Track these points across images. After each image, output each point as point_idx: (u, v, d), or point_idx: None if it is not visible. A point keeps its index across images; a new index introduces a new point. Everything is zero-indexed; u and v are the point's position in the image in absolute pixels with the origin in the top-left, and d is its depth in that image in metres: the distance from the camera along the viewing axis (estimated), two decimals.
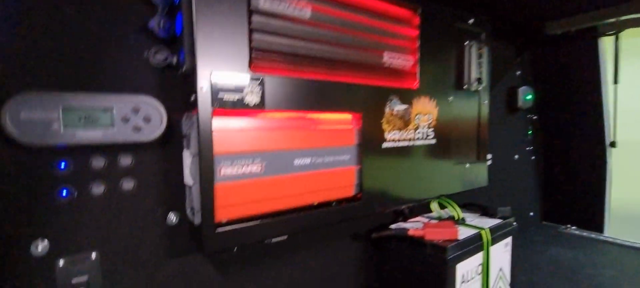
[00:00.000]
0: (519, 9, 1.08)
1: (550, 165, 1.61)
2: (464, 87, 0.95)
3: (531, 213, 1.59)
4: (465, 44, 0.94)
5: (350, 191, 0.74)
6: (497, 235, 0.85)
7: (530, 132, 1.53)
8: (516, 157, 1.46)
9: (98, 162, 0.54)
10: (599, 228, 1.49)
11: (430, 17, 0.84)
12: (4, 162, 0.47)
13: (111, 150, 0.55)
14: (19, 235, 0.49)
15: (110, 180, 0.55)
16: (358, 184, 0.75)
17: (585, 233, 1.47)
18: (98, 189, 0.54)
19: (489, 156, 1.28)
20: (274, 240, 0.67)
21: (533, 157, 1.56)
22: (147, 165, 0.58)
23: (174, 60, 0.58)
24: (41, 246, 0.51)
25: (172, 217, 0.62)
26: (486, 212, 0.96)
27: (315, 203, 0.69)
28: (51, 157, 0.50)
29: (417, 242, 0.77)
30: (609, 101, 1.41)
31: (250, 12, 0.57)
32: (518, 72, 1.44)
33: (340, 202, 0.74)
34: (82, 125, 0.50)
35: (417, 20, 0.83)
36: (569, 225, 1.55)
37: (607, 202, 1.48)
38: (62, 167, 0.51)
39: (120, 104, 0.53)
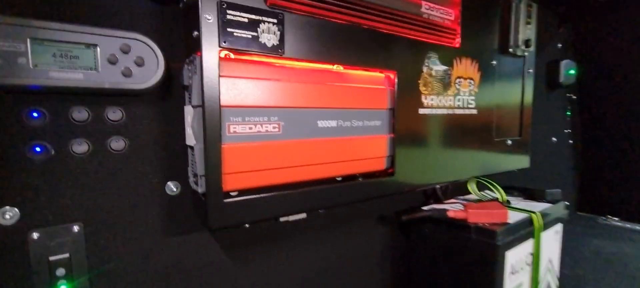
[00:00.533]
0: None
1: (588, 151, 1.47)
2: (510, 50, 0.82)
3: (566, 203, 1.45)
4: (512, 0, 0.81)
5: (381, 164, 0.63)
6: (548, 220, 0.73)
7: (569, 113, 1.39)
8: (554, 139, 1.32)
9: (80, 114, 0.44)
10: None
11: None
12: None
13: (96, 99, 0.44)
14: None
15: (96, 138, 0.45)
16: (390, 156, 0.63)
17: (628, 225, 1.33)
18: (80, 147, 0.44)
19: None
20: (292, 218, 0.56)
21: (570, 141, 1.41)
22: (141, 121, 0.48)
23: None
24: (10, 214, 0.41)
25: (172, 186, 0.51)
26: (532, 195, 0.84)
27: (339, 176, 0.59)
28: (20, 102, 0.40)
29: (459, 225, 0.65)
30: None
31: None
32: (559, 45, 1.29)
33: (367, 176, 0.63)
34: (58, 64, 0.40)
35: None
36: (609, 216, 1.41)
37: None
38: (35, 116, 0.41)
39: (106, 40, 0.42)
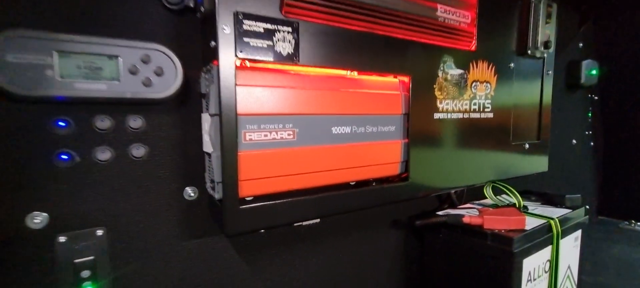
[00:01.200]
0: None
1: (610, 153, 1.42)
2: (528, 52, 0.80)
3: (586, 207, 1.41)
4: (531, 1, 0.79)
5: (394, 169, 0.63)
6: (567, 226, 0.72)
7: (590, 114, 1.34)
8: (574, 141, 1.28)
9: (103, 122, 0.45)
10: None
11: None
12: None
13: (118, 108, 0.46)
14: (12, 204, 0.42)
15: (118, 145, 0.47)
16: (404, 162, 0.63)
17: None
18: (103, 154, 0.46)
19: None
20: (306, 223, 0.56)
21: (591, 143, 1.37)
22: (160, 128, 0.49)
23: (191, 2, 0.48)
24: (39, 219, 0.43)
25: (190, 191, 0.53)
26: (551, 201, 0.82)
27: (353, 182, 0.59)
28: (48, 113, 0.42)
29: (475, 232, 0.64)
30: None
31: None
32: (580, 44, 1.25)
33: (381, 181, 0.63)
34: (82, 75, 0.41)
35: None
36: (633, 221, 1.36)
37: None
38: (61, 125, 0.43)
39: (127, 52, 0.44)
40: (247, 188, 0.47)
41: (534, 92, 0.87)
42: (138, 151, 0.48)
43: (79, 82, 0.41)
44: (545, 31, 0.82)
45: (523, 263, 0.61)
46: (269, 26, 0.45)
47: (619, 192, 1.42)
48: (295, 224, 0.57)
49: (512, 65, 0.79)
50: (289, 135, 0.50)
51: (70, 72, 0.41)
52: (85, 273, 0.46)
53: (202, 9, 0.45)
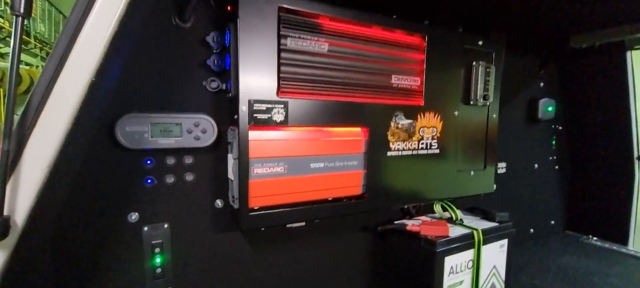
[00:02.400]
0: (541, 23, 1.14)
1: (575, 175, 1.63)
2: (471, 102, 1.06)
3: (552, 222, 1.62)
4: (472, 63, 1.05)
5: (357, 190, 0.91)
6: (490, 236, 0.97)
7: (553, 142, 1.56)
8: (536, 166, 1.50)
9: (171, 161, 0.76)
10: (624, 241, 1.49)
11: (437, 41, 0.97)
12: (114, 159, 0.71)
13: (179, 152, 0.77)
14: (120, 208, 0.73)
15: (178, 173, 0.78)
16: (364, 185, 0.91)
17: (606, 245, 1.48)
18: (170, 179, 0.77)
19: (504, 165, 1.36)
20: (294, 225, 0.86)
21: (556, 166, 1.58)
22: (203, 164, 0.80)
23: (224, 87, 0.79)
24: (134, 216, 0.75)
25: (219, 203, 0.83)
26: (487, 216, 1.07)
27: (329, 198, 0.87)
28: (143, 156, 0.74)
29: (414, 236, 0.91)
30: (638, 115, 1.41)
31: (280, 51, 0.76)
32: (541, 84, 1.48)
33: (349, 199, 0.91)
34: (162, 135, 0.73)
35: (424, 45, 0.96)
36: (590, 236, 1.56)
37: (633, 215, 1.48)
38: (149, 163, 0.74)
39: (186, 120, 0.75)
40: (254, 202, 0.77)
41: (479, 131, 1.12)
42: (189, 177, 0.79)
43: (160, 139, 0.72)
44: (485, 87, 1.07)
45: (445, 260, 0.87)
46: (269, 105, 0.75)
47: (584, 210, 1.63)
48: (286, 225, 0.86)
49: (456, 113, 1.05)
50: (281, 169, 0.79)
51: (156, 134, 0.72)
52: (157, 250, 0.77)
53: (230, 94, 0.76)
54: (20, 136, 0.43)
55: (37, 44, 5.63)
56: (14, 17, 0.40)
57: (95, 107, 0.62)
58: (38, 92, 0.45)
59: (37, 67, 5.49)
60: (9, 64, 0.40)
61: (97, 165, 0.70)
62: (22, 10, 0.40)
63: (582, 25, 1.19)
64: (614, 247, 1.45)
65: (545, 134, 1.53)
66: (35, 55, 5.67)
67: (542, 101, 1.41)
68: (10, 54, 0.40)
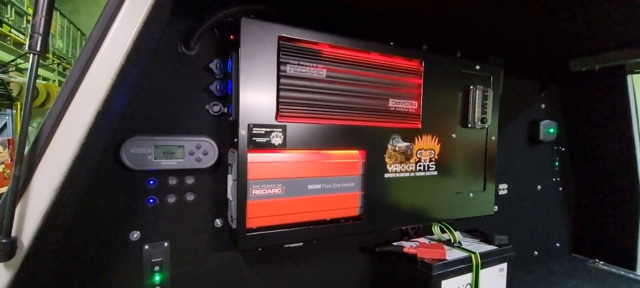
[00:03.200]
0: (539, 47, 1.16)
1: (580, 196, 1.61)
2: (469, 125, 1.07)
3: (557, 244, 1.59)
4: (470, 87, 1.07)
5: (355, 212, 0.92)
6: (489, 260, 0.96)
7: (557, 163, 1.55)
8: (539, 187, 1.49)
9: (172, 181, 0.79)
10: (632, 265, 1.46)
11: (434, 66, 0.99)
12: (119, 180, 0.74)
13: (181, 173, 0.80)
14: (123, 226, 0.76)
15: (179, 193, 0.81)
16: (361, 206, 0.92)
17: (614, 269, 1.45)
18: (171, 199, 0.79)
19: (505, 186, 1.36)
20: (292, 245, 0.87)
21: (560, 188, 1.57)
22: (203, 184, 0.83)
23: (225, 110, 0.82)
24: (136, 235, 0.77)
25: (218, 222, 0.85)
26: (486, 239, 1.07)
27: (326, 219, 0.89)
28: (146, 177, 0.77)
29: (411, 259, 0.92)
30: None
31: (279, 77, 0.79)
32: (542, 106, 1.48)
33: (347, 220, 0.92)
34: (165, 157, 0.76)
35: (421, 70, 0.98)
36: (597, 260, 1.53)
37: None
38: (152, 183, 0.77)
39: (189, 142, 0.78)
40: (252, 223, 0.79)
41: (478, 153, 1.13)
42: (190, 197, 0.81)
43: (163, 160, 0.75)
44: (483, 110, 1.09)
45: (441, 283, 0.87)
46: (267, 129, 0.78)
47: (590, 232, 1.60)
48: (284, 246, 0.88)
49: (454, 135, 1.06)
50: (279, 190, 0.81)
51: (159, 155, 0.75)
52: (157, 268, 0.80)
53: (231, 118, 0.79)
54: (30, 162, 0.47)
55: (55, 59, 5.85)
56: (31, 55, 0.44)
57: (102, 132, 0.66)
58: (49, 121, 0.48)
59: (53, 81, 5.69)
60: (23, 99, 0.43)
61: (101, 186, 0.73)
62: (38, 49, 0.44)
63: (580, 49, 1.20)
64: (622, 272, 1.42)
65: (547, 155, 1.52)
66: (53, 70, 5.89)
67: (543, 123, 1.41)
68: (26, 90, 0.44)
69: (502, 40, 1.09)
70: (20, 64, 4.57)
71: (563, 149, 1.56)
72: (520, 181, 1.43)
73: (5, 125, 4.56)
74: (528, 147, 1.46)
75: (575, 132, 1.55)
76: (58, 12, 5.84)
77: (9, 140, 3.78)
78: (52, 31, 5.04)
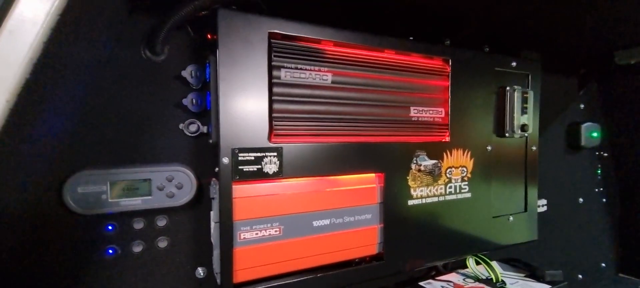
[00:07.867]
0: (580, 38, 0.97)
1: (627, 209, 1.40)
2: (506, 135, 0.88)
3: (603, 265, 1.38)
4: (506, 88, 0.88)
5: (373, 250, 0.74)
6: None
7: (599, 171, 1.35)
8: (580, 200, 1.29)
9: (138, 224, 0.61)
10: None
11: (464, 64, 0.81)
12: (63, 228, 0.57)
13: (150, 213, 0.62)
14: None
15: (148, 239, 0.63)
16: (381, 243, 0.74)
17: None
18: (138, 248, 0.62)
19: (544, 202, 1.16)
20: None
21: (604, 199, 1.36)
22: (180, 225, 0.65)
23: (205, 130, 0.65)
24: None
25: (201, 271, 0.67)
26: (533, 273, 0.87)
27: (337, 262, 0.70)
28: (101, 222, 0.59)
29: None
30: None
31: (272, 86, 0.61)
32: (581, 106, 1.28)
33: (362, 260, 0.73)
34: (126, 195, 0.58)
35: (448, 70, 0.80)
36: None
37: None
38: (110, 229, 0.60)
39: (157, 174, 0.60)
40: (241, 276, 0.60)
41: (516, 168, 0.93)
42: (163, 243, 0.64)
43: (123, 200, 0.58)
44: (523, 115, 0.89)
45: None
46: (258, 154, 0.60)
47: (638, 249, 1.39)
48: None
49: (489, 148, 0.87)
50: (275, 231, 0.63)
51: (117, 194, 0.58)
52: None
53: (211, 140, 0.61)
54: None
55: None
56: None
57: (37, 165, 0.49)
58: None
59: None
60: None
61: (43, 236, 0.56)
62: None
63: (629, 39, 1.01)
64: None
65: (588, 163, 1.32)
66: None
67: (584, 126, 1.21)
68: None
69: (535, 31, 0.90)
70: None
71: (606, 155, 1.36)
72: (559, 195, 1.23)
73: None
74: (566, 154, 1.26)
75: (620, 135, 1.34)
76: None
77: None
78: None
